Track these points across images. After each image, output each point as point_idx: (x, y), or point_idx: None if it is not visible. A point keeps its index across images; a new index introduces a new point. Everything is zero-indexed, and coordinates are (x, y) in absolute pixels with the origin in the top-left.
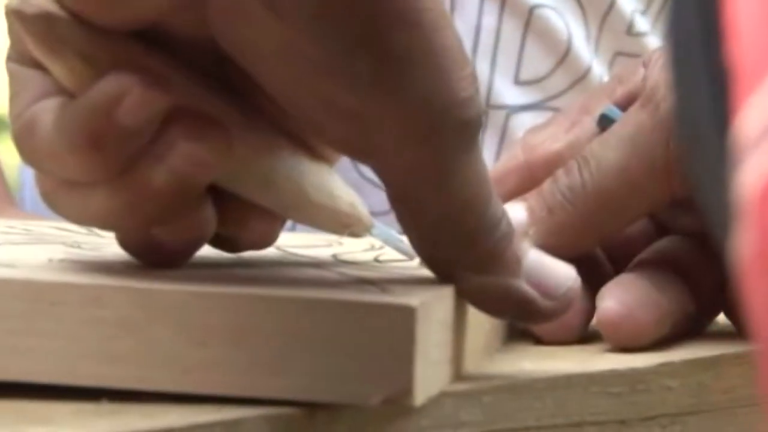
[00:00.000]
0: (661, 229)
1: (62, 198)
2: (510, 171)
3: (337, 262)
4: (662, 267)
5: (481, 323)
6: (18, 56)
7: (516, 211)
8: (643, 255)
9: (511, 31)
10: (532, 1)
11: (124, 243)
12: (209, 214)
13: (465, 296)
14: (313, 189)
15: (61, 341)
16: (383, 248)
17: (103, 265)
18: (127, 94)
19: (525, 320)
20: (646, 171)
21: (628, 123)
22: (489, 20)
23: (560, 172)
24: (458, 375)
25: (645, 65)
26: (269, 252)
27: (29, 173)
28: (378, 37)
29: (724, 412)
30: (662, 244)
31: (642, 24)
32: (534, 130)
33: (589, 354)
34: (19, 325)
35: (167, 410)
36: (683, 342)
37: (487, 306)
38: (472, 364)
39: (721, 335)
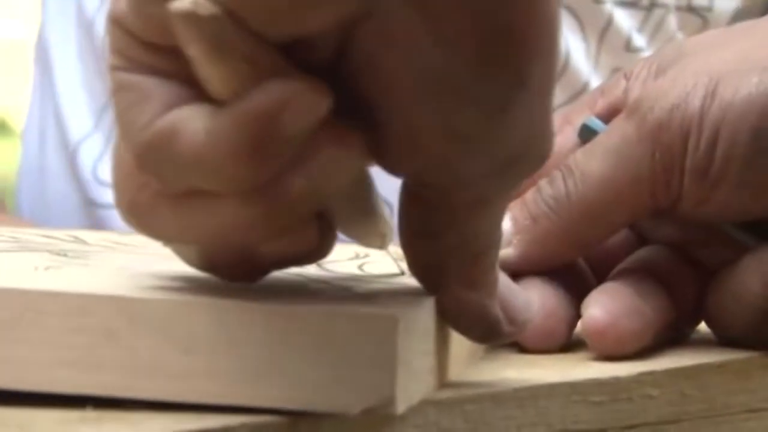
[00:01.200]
0: (641, 239)
1: (164, 213)
2: None
3: (321, 271)
4: (645, 276)
5: None
6: (128, 64)
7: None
8: (625, 264)
9: None
10: None
11: (211, 259)
12: (316, 229)
13: (443, 308)
14: (368, 202)
15: (46, 350)
16: (367, 257)
17: (89, 274)
18: (294, 100)
19: (485, 341)
20: (631, 182)
21: (613, 134)
22: None
23: (543, 182)
24: (441, 383)
25: (627, 77)
26: None
27: (28, 180)
28: (521, 65)
29: (705, 422)
30: (643, 253)
31: (639, 40)
32: None
33: (572, 363)
34: (3, 333)
35: (151, 418)
36: (664, 351)
37: (460, 321)
38: (455, 372)
39: (702, 344)
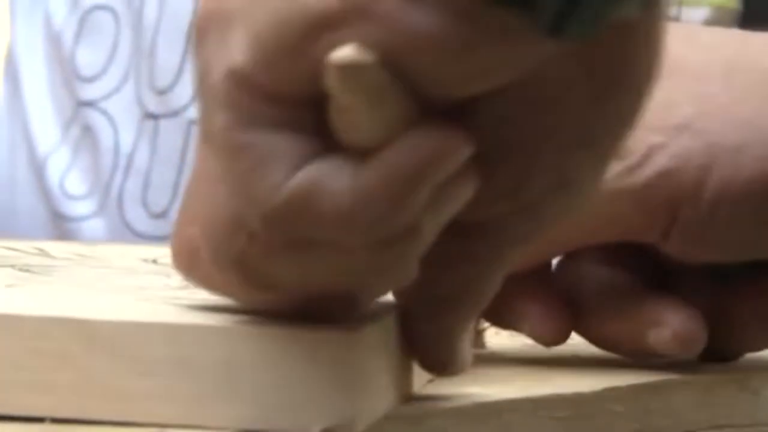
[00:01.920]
0: None
1: (279, 262)
2: None
3: None
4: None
5: None
6: (248, 122)
7: None
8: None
9: None
10: None
11: (305, 306)
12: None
13: (408, 332)
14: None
15: (3, 373)
16: None
17: (49, 294)
18: (440, 150)
19: (436, 373)
20: (617, 233)
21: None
22: None
23: None
24: (403, 398)
25: None
26: None
27: None
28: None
29: None
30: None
31: None
32: None
33: (536, 379)
34: None
35: (110, 431)
36: (629, 366)
37: (417, 350)
38: (417, 387)
39: (666, 360)
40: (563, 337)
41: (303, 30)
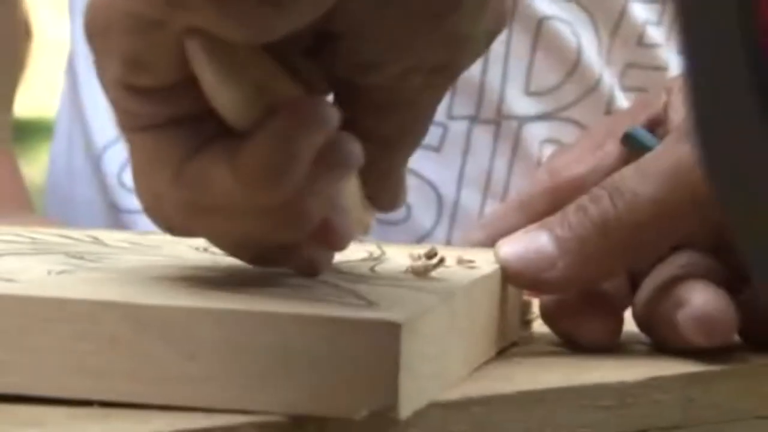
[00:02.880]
0: None
1: (198, 225)
2: (537, 195)
3: (332, 272)
4: (708, 278)
5: (473, 335)
6: (135, 122)
7: (541, 242)
8: (672, 268)
9: (521, 43)
10: (542, 13)
11: (236, 252)
12: None
13: (364, 176)
14: (352, 192)
15: (54, 356)
16: (381, 257)
17: (100, 279)
18: (308, 119)
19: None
20: (686, 206)
21: (666, 156)
22: None
23: (586, 201)
24: (448, 385)
25: (668, 92)
26: None
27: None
28: None
29: (712, 427)
30: (685, 258)
31: (655, 35)
32: (558, 152)
33: (580, 367)
34: (12, 340)
35: (158, 416)
36: (673, 356)
37: (373, 189)
38: (462, 374)
39: (711, 350)
40: (610, 342)
41: (155, 12)
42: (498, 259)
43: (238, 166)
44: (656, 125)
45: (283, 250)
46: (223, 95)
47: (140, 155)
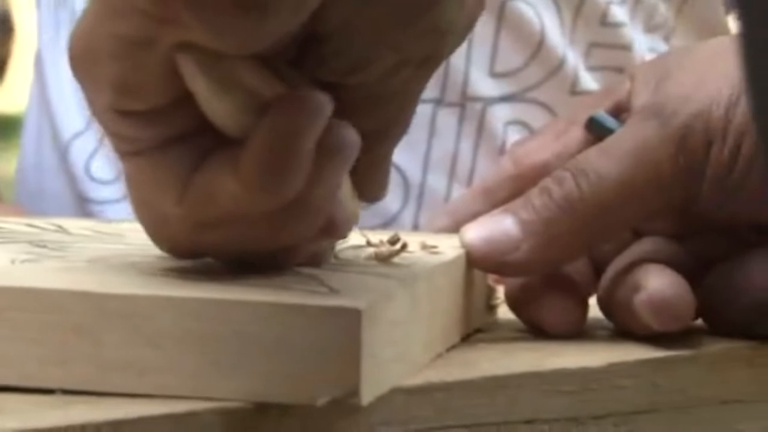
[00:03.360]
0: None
1: (204, 241)
2: (500, 182)
3: None
4: (669, 264)
5: (436, 321)
6: (132, 147)
7: (506, 225)
8: (633, 254)
9: (485, 25)
10: None
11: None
12: None
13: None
14: (346, 188)
15: (17, 345)
16: (344, 242)
17: (63, 268)
18: (301, 110)
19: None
20: (650, 184)
21: (630, 135)
22: None
23: (550, 182)
24: (411, 371)
25: (631, 78)
26: None
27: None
28: None
29: (677, 412)
30: (648, 245)
31: (619, 14)
32: (521, 141)
33: (544, 352)
34: None
35: (120, 403)
36: (636, 341)
37: (361, 180)
38: (425, 360)
39: (674, 335)
40: (575, 329)
41: (143, 31)
42: (463, 244)
43: (241, 172)
44: (620, 111)
45: (287, 249)
46: (218, 105)
47: (140, 180)
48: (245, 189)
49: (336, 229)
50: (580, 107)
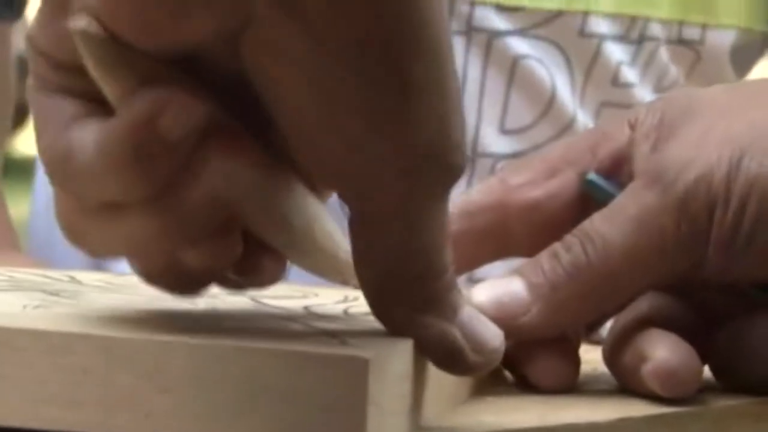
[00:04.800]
0: None
1: (88, 226)
2: (484, 208)
3: (305, 313)
4: (667, 325)
5: (445, 374)
6: (40, 84)
7: (514, 287)
8: (638, 311)
9: (496, 81)
10: (516, 52)
11: (146, 271)
12: (237, 240)
13: (400, 331)
14: (320, 233)
15: (27, 386)
16: (356, 300)
17: (74, 314)
18: (167, 106)
19: (450, 369)
20: (655, 251)
21: (633, 202)
22: (474, 71)
23: (559, 247)
24: (417, 426)
25: (631, 126)
26: (241, 301)
27: (39, 222)
28: (401, 68)
29: None
30: (656, 301)
31: (629, 75)
32: (513, 169)
33: (551, 408)
34: None
35: None
36: (644, 397)
37: (419, 345)
38: (432, 415)
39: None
40: (567, 386)
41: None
42: (474, 305)
43: (99, 137)
44: (620, 163)
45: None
46: (100, 83)
47: (34, 118)
48: (99, 153)
49: (255, 271)
50: (574, 147)
